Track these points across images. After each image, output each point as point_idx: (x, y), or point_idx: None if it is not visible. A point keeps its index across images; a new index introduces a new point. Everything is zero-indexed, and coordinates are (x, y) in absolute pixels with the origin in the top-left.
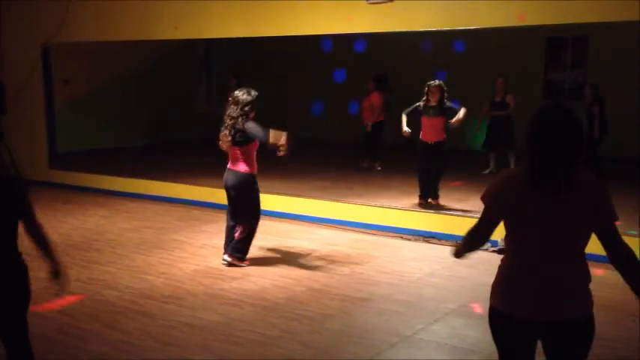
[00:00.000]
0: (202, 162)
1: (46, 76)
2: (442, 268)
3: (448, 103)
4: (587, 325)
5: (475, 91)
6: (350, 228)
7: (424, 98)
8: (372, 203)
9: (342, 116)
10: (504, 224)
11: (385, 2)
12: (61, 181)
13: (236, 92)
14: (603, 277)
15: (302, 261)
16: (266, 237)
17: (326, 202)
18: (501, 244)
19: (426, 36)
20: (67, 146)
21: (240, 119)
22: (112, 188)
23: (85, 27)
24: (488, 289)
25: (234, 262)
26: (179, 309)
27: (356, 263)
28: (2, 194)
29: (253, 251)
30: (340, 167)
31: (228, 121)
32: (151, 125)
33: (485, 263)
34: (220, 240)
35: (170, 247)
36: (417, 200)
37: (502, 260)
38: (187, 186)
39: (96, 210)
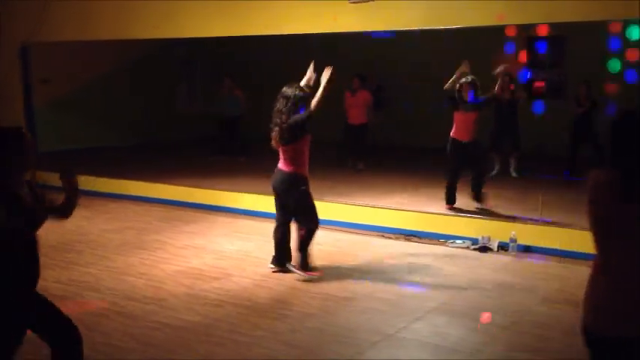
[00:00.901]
0: (184, 162)
1: (25, 76)
2: (423, 266)
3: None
4: None
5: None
6: (332, 227)
7: (457, 94)
8: (354, 202)
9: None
10: (594, 235)
11: (367, 1)
12: (41, 181)
13: (284, 88)
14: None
15: None
16: (248, 236)
17: None
18: (482, 242)
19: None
20: (47, 146)
21: (288, 114)
22: (92, 189)
23: (65, 26)
24: (470, 286)
25: (304, 276)
26: (160, 310)
27: (338, 262)
28: None
29: (233, 251)
30: (324, 166)
31: (276, 117)
32: (133, 125)
33: (466, 261)
34: (202, 239)
35: (151, 247)
36: (398, 199)
37: (592, 275)
38: (168, 186)
39: (76, 211)
